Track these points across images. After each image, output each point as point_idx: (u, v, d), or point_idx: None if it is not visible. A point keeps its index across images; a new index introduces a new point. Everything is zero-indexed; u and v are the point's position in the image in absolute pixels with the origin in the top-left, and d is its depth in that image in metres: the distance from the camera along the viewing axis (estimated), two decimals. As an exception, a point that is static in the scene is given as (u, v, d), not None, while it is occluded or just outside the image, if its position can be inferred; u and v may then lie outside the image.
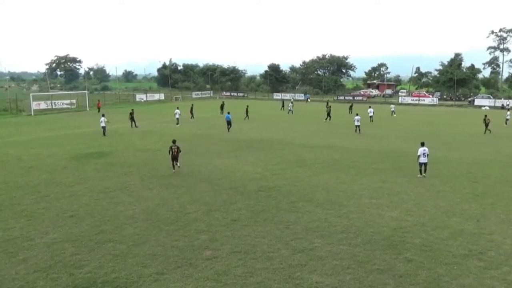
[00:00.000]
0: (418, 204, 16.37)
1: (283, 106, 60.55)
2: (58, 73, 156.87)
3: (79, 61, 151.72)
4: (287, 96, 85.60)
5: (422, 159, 20.28)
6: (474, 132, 38.00)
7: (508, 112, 45.69)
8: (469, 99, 78.29)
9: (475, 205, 16.42)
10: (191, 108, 47.95)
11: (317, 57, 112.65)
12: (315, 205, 16.30)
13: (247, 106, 49.60)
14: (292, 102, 58.36)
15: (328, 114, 46.81)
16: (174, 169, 21.90)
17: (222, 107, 53.48)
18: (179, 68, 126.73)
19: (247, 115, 46.50)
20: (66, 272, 10.78)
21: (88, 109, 59.03)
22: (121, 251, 12.01)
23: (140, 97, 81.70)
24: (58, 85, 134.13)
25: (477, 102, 73.01)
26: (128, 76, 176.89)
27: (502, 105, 68.62)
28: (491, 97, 76.66)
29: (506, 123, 43.89)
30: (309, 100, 78.92)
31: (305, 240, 12.87)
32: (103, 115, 35.91)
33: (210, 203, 16.44)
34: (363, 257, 11.66)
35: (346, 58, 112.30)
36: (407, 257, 11.67)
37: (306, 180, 20.06)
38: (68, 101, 65.25)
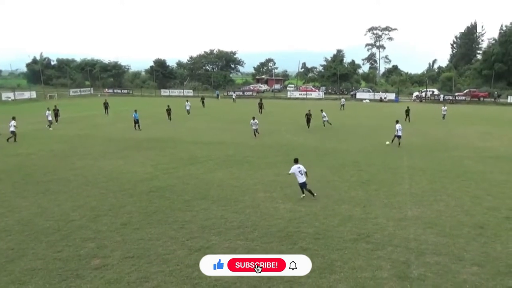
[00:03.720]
0: (310, 195, 17.32)
1: (261, 108, 50.54)
2: None
3: None
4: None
5: (300, 179, 16.50)
6: (357, 124, 41.23)
7: (444, 108, 46.98)
8: (352, 92, 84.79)
9: (361, 192, 17.87)
10: (55, 110, 41.29)
11: (205, 52, 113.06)
12: (210, 202, 16.39)
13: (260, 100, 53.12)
14: (187, 100, 53.00)
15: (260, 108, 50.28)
16: None
17: (106, 106, 49.15)
18: (52, 63, 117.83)
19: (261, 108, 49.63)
20: None
21: None
22: (-7, 269, 10.89)
23: (7, 95, 74.28)
24: None
25: (359, 95, 79.37)
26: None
27: (380, 98, 75.40)
28: (370, 90, 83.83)
29: (443, 118, 45.08)
30: (219, 97, 78.13)
31: (202, 238, 12.90)
32: (13, 118, 31.06)
33: (97, 208, 15.63)
34: (260, 250, 12.02)
35: (234, 54, 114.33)
36: (302, 246, 12.31)
37: (200, 178, 20.07)
38: None
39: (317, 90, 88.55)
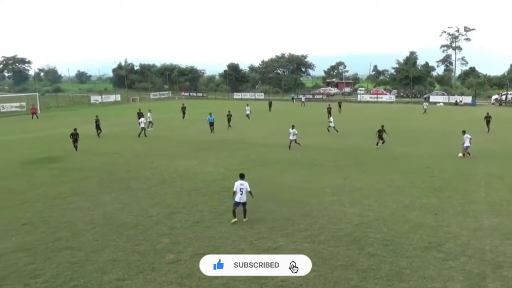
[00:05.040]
0: (379, 200, 16.83)
1: (329, 113, 45.61)
2: (6, 74, 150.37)
3: (28, 62, 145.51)
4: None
5: (237, 197, 14.35)
6: (430, 128, 39.41)
7: None
8: (425, 96, 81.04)
9: (433, 198, 17.05)
10: (139, 114, 39.58)
11: (276, 56, 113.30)
12: (278, 204, 16.44)
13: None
14: (248, 105, 50.71)
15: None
16: (76, 150, 28.05)
17: (183, 110, 48.75)
18: (135, 68, 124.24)
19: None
20: (20, 282, 10.41)
21: (39, 112, 56.78)
22: (79, 258, 11.70)
23: (95, 98, 79.50)
24: (6, 87, 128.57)
25: (432, 98, 75.58)
26: (82, 77, 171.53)
27: (456, 101, 71.49)
28: (445, 93, 79.65)
29: None
30: (294, 100, 76.38)
31: (269, 239, 12.97)
32: (149, 111, 36.47)
33: (172, 206, 16.27)
34: (327, 253, 11.88)
35: (305, 57, 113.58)
36: (369, 252, 11.98)
37: (269, 179, 20.18)
38: (17, 104, 62.69)
39: (388, 93, 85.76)
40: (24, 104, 62.37)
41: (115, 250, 12.28)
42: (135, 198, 17.34)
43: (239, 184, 14.37)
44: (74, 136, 28.25)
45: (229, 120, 40.02)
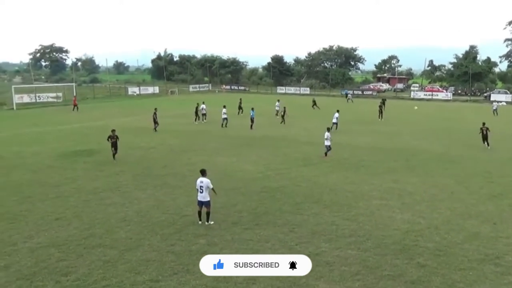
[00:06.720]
0: (432, 206, 16.37)
1: (381, 113, 44.59)
2: (43, 63, 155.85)
3: (66, 51, 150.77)
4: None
5: (199, 196, 14.30)
6: (491, 129, 37.82)
7: None
8: (485, 94, 77.93)
9: (492, 206, 16.42)
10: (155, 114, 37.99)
11: (324, 48, 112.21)
12: (321, 206, 16.28)
13: (383, 101, 48.67)
14: (278, 100, 49.10)
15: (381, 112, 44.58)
16: (114, 158, 24.13)
17: (240, 106, 47.46)
18: (175, 59, 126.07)
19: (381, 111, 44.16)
20: (52, 279, 10.75)
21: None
22: (112, 257, 11.99)
23: (133, 90, 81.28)
24: (43, 77, 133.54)
25: (493, 97, 72.25)
26: (120, 68, 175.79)
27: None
28: (508, 92, 76.24)
29: None
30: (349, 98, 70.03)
31: (311, 244, 12.87)
32: (224, 106, 38.33)
33: (209, 205, 16.38)
34: (373, 262, 11.65)
35: (355, 50, 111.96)
36: (420, 262, 11.68)
37: (312, 180, 20.03)
38: (54, 94, 64.77)
39: (444, 91, 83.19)
40: (60, 94, 64.45)
41: (149, 249, 12.51)
42: (170, 196, 17.63)
43: (199, 181, 14.27)
44: (113, 139, 24.19)
45: (283, 115, 40.16)
